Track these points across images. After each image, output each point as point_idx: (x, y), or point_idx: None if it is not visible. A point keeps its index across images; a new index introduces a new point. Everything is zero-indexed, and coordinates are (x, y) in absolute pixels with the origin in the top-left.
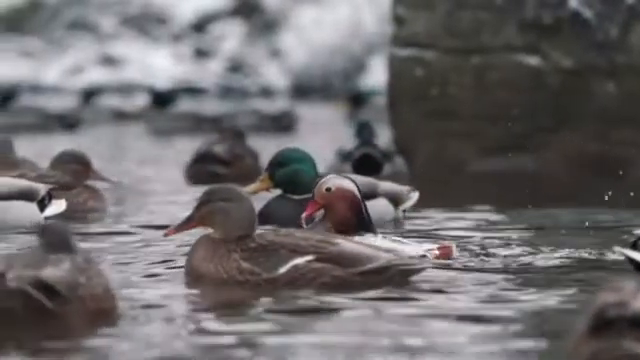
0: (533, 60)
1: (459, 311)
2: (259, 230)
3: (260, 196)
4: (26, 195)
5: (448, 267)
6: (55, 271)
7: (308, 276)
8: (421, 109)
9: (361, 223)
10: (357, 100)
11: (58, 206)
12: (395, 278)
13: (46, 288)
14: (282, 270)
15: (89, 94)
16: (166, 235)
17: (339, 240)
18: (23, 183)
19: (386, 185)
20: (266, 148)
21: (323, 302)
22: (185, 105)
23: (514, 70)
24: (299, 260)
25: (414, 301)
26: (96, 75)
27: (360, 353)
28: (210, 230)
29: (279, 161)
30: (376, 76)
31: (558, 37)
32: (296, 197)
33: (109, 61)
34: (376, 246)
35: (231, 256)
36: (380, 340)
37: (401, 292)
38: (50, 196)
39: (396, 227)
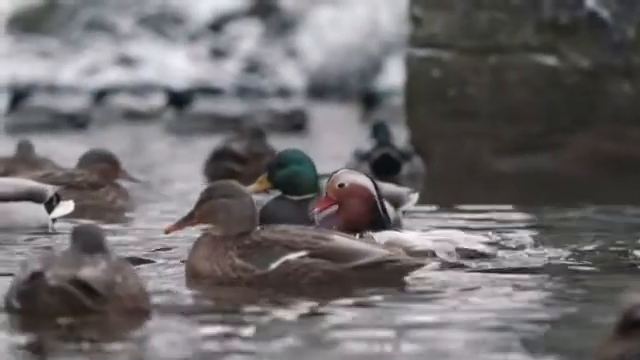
0: (550, 60)
1: (467, 311)
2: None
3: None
4: (34, 196)
5: (456, 266)
6: (92, 271)
7: (300, 271)
8: (438, 109)
9: (376, 221)
10: (370, 100)
11: (66, 207)
12: (391, 275)
13: (84, 287)
14: (273, 266)
15: (101, 94)
16: (167, 232)
17: (334, 236)
18: (31, 184)
19: (386, 187)
20: (278, 147)
21: (321, 303)
22: (202, 105)
23: (531, 70)
24: (291, 256)
25: (421, 302)
26: (113, 75)
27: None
28: (211, 227)
29: (278, 162)
30: (393, 76)
31: (575, 37)
32: (295, 198)
33: (126, 61)
34: (373, 242)
35: (227, 254)
36: (382, 342)
37: (407, 292)
38: (58, 197)
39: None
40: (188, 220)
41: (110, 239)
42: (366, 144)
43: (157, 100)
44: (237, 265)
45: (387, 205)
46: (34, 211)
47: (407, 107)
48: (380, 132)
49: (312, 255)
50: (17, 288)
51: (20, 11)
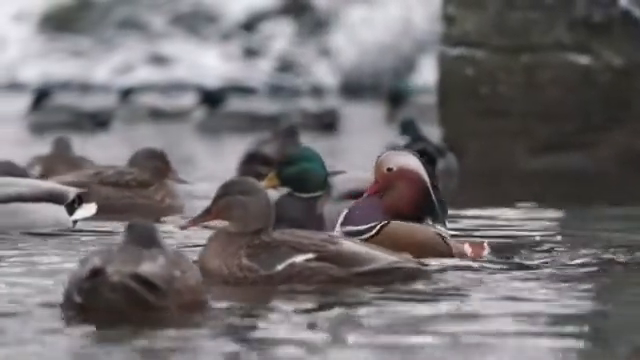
0: (583, 59)
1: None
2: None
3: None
4: (54, 198)
5: (472, 268)
6: (152, 266)
7: (305, 274)
8: (471, 108)
9: (427, 208)
10: (396, 99)
11: (88, 210)
12: (397, 281)
13: (145, 282)
14: (279, 267)
15: (127, 92)
16: (183, 228)
17: (342, 240)
18: (52, 185)
19: None
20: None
21: (338, 305)
22: (234, 104)
23: (564, 69)
24: (296, 258)
25: (447, 302)
26: (145, 74)
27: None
28: (226, 224)
29: (287, 160)
30: (426, 75)
31: (608, 36)
32: (304, 195)
33: (158, 60)
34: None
35: (237, 253)
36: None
37: (432, 292)
38: (80, 199)
39: None
40: (204, 216)
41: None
42: (399, 140)
43: (188, 99)
44: (244, 265)
45: None
46: (54, 213)
47: (440, 105)
48: (410, 129)
49: (318, 258)
50: (78, 284)
51: (53, 10)
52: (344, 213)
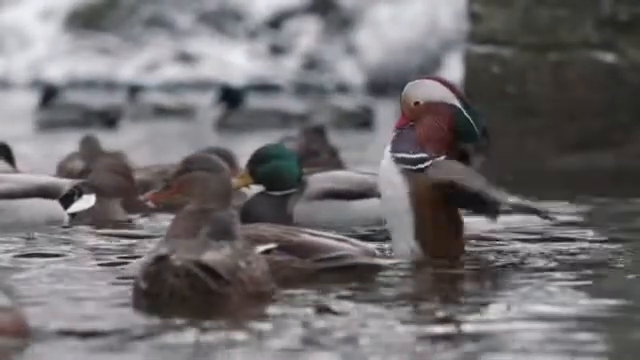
0: (609, 57)
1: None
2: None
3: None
4: (46, 192)
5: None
6: (215, 255)
7: (271, 269)
8: (498, 106)
9: (464, 137)
10: None
11: (85, 202)
12: (362, 273)
13: (208, 270)
14: None
15: (134, 90)
16: (145, 200)
17: (303, 233)
18: (44, 180)
19: None
20: (341, 144)
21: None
22: (259, 102)
23: (591, 67)
24: (258, 249)
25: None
26: (172, 72)
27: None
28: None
29: (259, 158)
30: (452, 73)
31: (635, 34)
32: (277, 194)
33: (185, 58)
34: (346, 240)
35: None
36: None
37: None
38: (80, 191)
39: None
40: (166, 190)
41: None
42: None
43: (210, 97)
44: None
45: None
46: (44, 207)
47: None
48: None
49: (279, 248)
50: (144, 270)
51: (79, 8)
52: (392, 141)
